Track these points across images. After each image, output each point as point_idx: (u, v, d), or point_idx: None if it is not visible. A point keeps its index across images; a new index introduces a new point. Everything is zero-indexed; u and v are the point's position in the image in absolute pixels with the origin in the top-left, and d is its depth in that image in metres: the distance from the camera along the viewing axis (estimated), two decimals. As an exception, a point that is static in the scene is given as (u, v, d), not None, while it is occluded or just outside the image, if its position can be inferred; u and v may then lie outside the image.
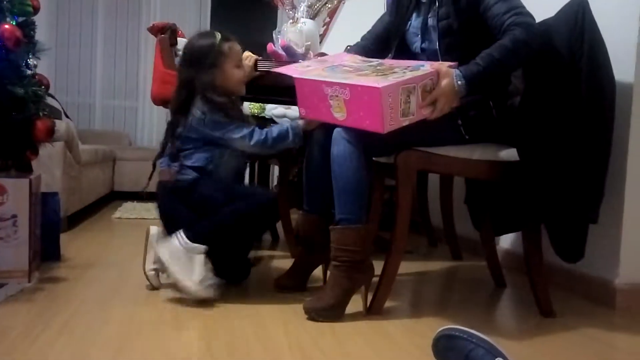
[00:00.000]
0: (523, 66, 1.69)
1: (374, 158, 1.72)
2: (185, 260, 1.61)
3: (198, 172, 1.77)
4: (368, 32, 1.95)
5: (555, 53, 1.61)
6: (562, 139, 1.60)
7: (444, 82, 1.47)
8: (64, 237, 2.36)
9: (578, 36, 1.58)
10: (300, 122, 1.79)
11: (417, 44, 1.79)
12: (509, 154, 1.68)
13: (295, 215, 2.46)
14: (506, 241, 2.39)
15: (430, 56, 1.72)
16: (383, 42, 1.89)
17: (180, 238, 1.64)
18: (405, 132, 1.62)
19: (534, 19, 1.57)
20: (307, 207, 1.77)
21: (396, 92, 1.39)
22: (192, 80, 1.76)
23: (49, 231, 2.09)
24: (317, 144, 1.72)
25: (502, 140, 1.70)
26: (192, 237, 1.64)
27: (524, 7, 1.59)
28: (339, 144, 1.57)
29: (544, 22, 1.71)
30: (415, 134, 1.62)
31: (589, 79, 1.58)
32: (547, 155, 1.61)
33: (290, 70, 1.67)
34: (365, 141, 1.56)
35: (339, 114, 1.50)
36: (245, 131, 1.75)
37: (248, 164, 2.04)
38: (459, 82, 1.48)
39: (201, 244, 1.64)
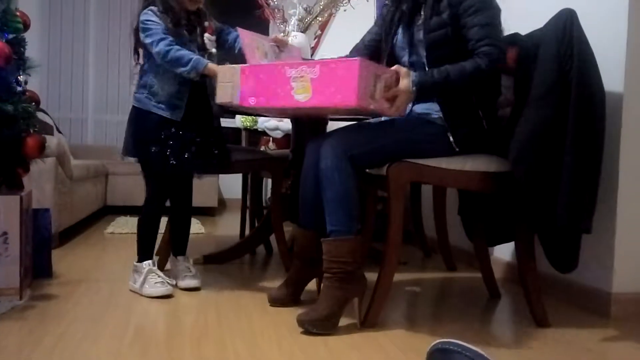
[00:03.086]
0: (516, 78, 1.71)
1: (367, 170, 1.72)
2: (138, 277, 1.92)
3: (145, 92, 1.91)
4: (357, 44, 1.96)
5: (545, 64, 1.62)
6: (553, 149, 1.61)
7: (404, 82, 1.55)
8: (55, 253, 2.34)
9: (567, 47, 1.60)
10: (208, 63, 1.83)
11: (405, 57, 1.80)
12: (501, 165, 1.68)
13: (288, 228, 2.45)
14: (500, 251, 2.39)
15: (419, 70, 1.73)
16: (373, 55, 1.90)
17: (134, 265, 1.96)
18: (395, 145, 1.63)
19: (504, 51, 1.63)
20: (303, 222, 1.76)
21: (369, 70, 1.44)
22: None
23: (41, 248, 2.07)
24: (311, 159, 1.72)
25: (493, 150, 1.70)
26: (138, 259, 1.96)
27: (499, 36, 1.63)
28: (326, 157, 1.58)
29: (533, 34, 1.72)
30: (405, 147, 1.63)
31: (579, 90, 1.58)
32: (539, 166, 1.61)
33: (251, 56, 1.74)
34: (352, 153, 1.57)
35: (301, 95, 1.49)
36: (156, 37, 1.83)
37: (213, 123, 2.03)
38: (413, 88, 1.56)
39: (144, 259, 1.95)
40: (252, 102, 1.61)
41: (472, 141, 1.67)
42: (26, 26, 1.95)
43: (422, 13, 1.70)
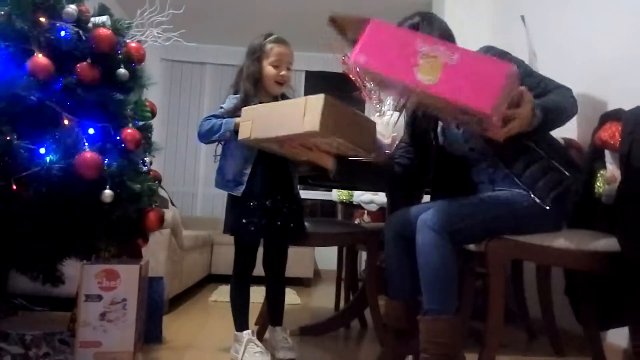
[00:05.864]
0: (620, 154, 1.65)
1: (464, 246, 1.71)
2: (239, 346, 1.99)
3: (218, 175, 2.08)
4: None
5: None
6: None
7: (528, 105, 1.43)
8: (165, 319, 2.49)
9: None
10: (237, 119, 1.92)
11: (462, 146, 1.78)
12: (609, 243, 1.60)
13: (383, 302, 2.43)
14: (614, 336, 2.20)
15: (484, 155, 1.72)
16: (412, 168, 1.95)
17: (234, 334, 2.03)
18: (495, 220, 1.61)
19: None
20: (391, 293, 1.76)
21: (512, 83, 1.28)
22: (242, 70, 2.06)
23: (153, 314, 2.21)
24: (393, 230, 1.74)
25: (599, 226, 1.63)
26: (236, 329, 2.03)
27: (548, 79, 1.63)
28: (424, 233, 1.55)
29: (637, 109, 1.67)
30: (506, 222, 1.61)
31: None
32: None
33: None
34: (452, 229, 1.55)
35: (426, 77, 1.26)
36: (201, 120, 2.04)
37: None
38: (537, 111, 1.46)
39: (242, 328, 2.01)
40: (362, 59, 1.37)
41: (557, 196, 1.59)
42: (153, 114, 2.20)
43: None
